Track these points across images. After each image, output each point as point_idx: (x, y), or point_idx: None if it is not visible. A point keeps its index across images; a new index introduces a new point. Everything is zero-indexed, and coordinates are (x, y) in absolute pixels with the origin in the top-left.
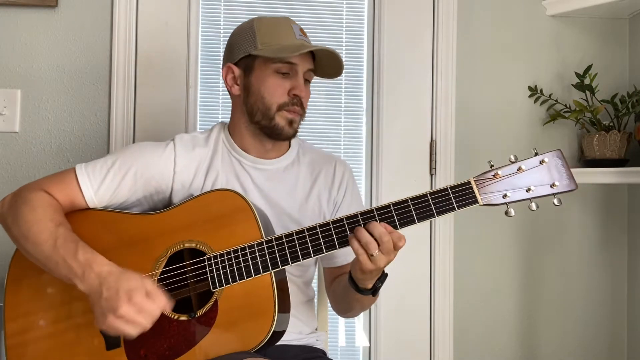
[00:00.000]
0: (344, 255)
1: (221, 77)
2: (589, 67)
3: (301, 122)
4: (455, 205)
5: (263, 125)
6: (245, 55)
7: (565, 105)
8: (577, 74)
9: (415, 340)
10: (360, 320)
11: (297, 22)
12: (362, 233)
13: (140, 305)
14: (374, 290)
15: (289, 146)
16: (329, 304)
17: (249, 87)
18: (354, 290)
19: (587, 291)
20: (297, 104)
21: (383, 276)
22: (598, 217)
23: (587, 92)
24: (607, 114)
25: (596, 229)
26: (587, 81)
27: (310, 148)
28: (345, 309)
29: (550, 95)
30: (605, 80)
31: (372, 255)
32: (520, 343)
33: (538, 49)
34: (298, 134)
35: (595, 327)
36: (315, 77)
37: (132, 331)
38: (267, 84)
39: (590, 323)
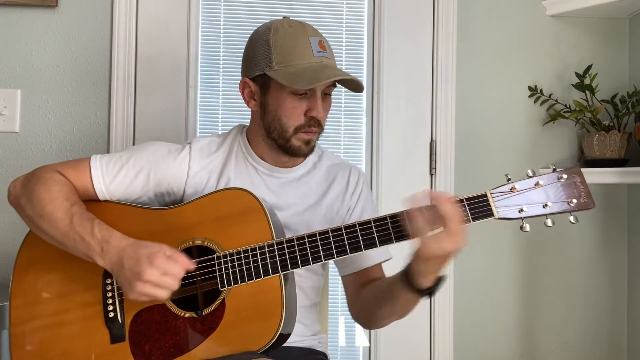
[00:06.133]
0: (368, 258)
1: (221, 78)
2: (589, 67)
3: (319, 137)
4: (470, 217)
5: (279, 144)
6: (261, 73)
7: (565, 105)
8: (577, 74)
9: (415, 340)
10: None
11: (317, 30)
12: (422, 211)
13: (163, 267)
14: (431, 292)
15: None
16: (329, 308)
17: (265, 105)
18: (406, 289)
19: (587, 291)
20: (314, 124)
21: (441, 278)
22: (598, 217)
23: (587, 92)
24: (607, 114)
25: (596, 229)
26: (587, 81)
27: (328, 155)
28: (382, 315)
29: (550, 95)
30: (605, 80)
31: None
32: (520, 343)
33: (538, 49)
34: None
35: (595, 327)
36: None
37: (162, 294)
38: (284, 106)
39: (591, 323)
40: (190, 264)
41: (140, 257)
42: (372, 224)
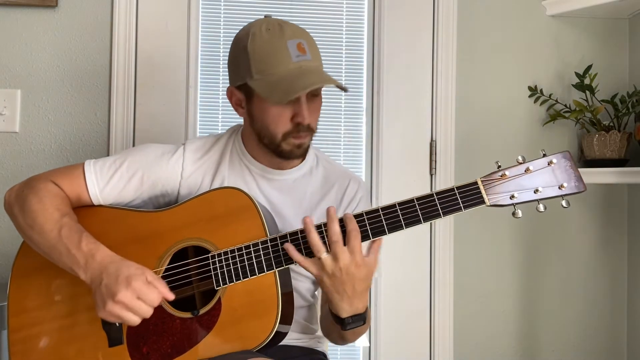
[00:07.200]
0: None
1: (221, 78)
2: (589, 67)
3: (312, 139)
4: (461, 205)
5: (271, 149)
6: (243, 82)
7: (565, 105)
8: (577, 74)
9: (415, 341)
10: None
11: (298, 29)
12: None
13: (139, 291)
14: (343, 323)
15: (303, 159)
16: None
17: (252, 114)
18: (331, 314)
19: (587, 291)
20: (302, 129)
21: (359, 317)
22: (598, 217)
23: (587, 92)
24: (607, 114)
25: (596, 229)
26: (587, 81)
27: (327, 161)
28: (327, 332)
29: (550, 95)
30: (605, 80)
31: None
32: (520, 343)
33: (538, 49)
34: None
35: (595, 327)
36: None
37: (131, 318)
38: (269, 114)
39: (590, 323)
40: (169, 294)
41: (119, 276)
42: (365, 216)
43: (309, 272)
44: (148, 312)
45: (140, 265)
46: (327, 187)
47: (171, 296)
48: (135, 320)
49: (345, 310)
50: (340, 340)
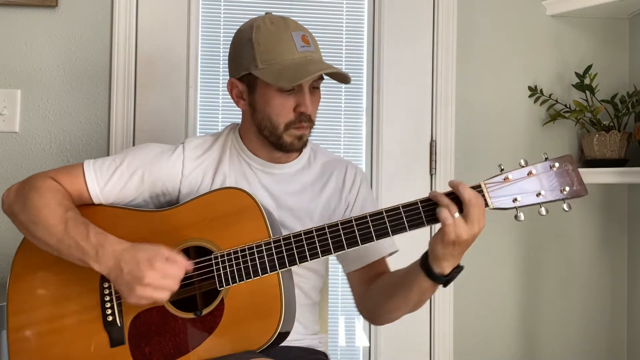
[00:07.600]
0: (375, 252)
1: (221, 77)
2: (589, 67)
3: (311, 131)
4: None
5: (272, 141)
6: (247, 72)
7: (565, 105)
8: (577, 74)
9: (415, 340)
10: (360, 320)
11: (299, 24)
12: (444, 197)
13: (163, 269)
14: (448, 280)
15: (301, 151)
16: (329, 308)
17: (254, 104)
18: (424, 277)
19: (587, 291)
20: (304, 119)
21: (459, 267)
22: (598, 217)
23: (587, 92)
24: (607, 114)
25: (596, 229)
26: (587, 81)
27: (322, 152)
28: (394, 308)
29: (550, 95)
30: (605, 80)
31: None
32: (520, 343)
33: (538, 49)
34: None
35: (595, 327)
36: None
37: (162, 296)
38: (272, 103)
39: (590, 323)
40: (188, 265)
41: (139, 260)
42: (368, 218)
43: (449, 235)
44: (175, 287)
45: (152, 245)
46: (326, 175)
47: (191, 266)
48: (165, 297)
49: (449, 267)
50: (415, 306)
